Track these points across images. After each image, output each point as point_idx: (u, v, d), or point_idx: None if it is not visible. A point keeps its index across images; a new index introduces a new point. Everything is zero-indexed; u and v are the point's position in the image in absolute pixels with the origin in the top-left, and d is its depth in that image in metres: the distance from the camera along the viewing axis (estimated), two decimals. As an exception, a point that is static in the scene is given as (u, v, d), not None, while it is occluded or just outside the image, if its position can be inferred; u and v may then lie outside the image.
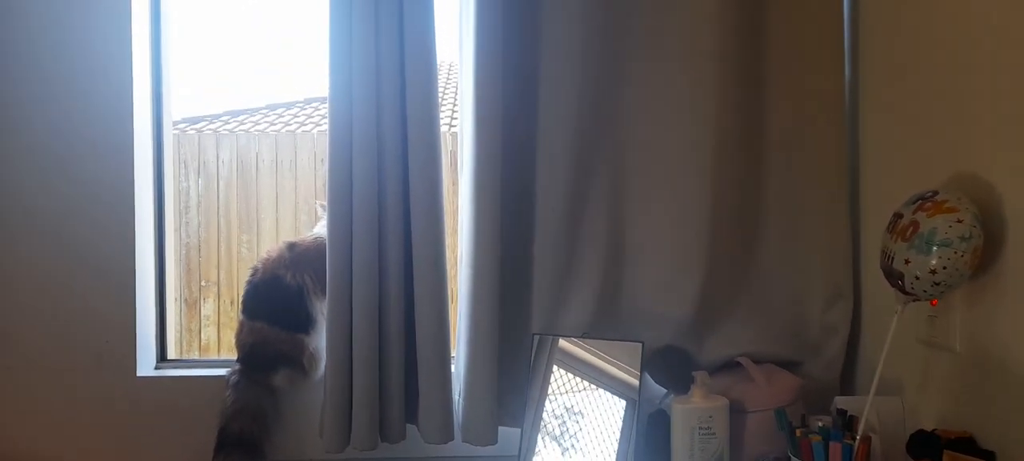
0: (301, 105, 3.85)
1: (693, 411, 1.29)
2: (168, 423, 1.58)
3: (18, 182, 1.56)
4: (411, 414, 1.50)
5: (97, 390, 1.58)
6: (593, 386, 1.38)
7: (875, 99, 1.43)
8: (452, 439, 1.47)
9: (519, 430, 1.43)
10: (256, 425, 1.48)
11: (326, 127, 1.45)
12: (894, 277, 1.09)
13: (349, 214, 1.42)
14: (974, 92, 1.12)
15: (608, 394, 1.37)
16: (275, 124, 3.65)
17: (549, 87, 1.47)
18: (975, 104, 1.11)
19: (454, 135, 2.27)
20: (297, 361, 1.51)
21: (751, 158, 1.49)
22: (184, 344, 2.69)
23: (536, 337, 1.44)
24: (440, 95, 1.47)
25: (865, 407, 1.15)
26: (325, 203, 1.46)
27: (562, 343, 1.42)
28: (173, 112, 1.74)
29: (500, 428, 1.47)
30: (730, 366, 1.46)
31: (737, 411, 1.34)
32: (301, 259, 1.52)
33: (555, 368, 1.41)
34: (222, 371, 1.54)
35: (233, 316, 2.66)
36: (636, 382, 1.35)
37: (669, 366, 1.49)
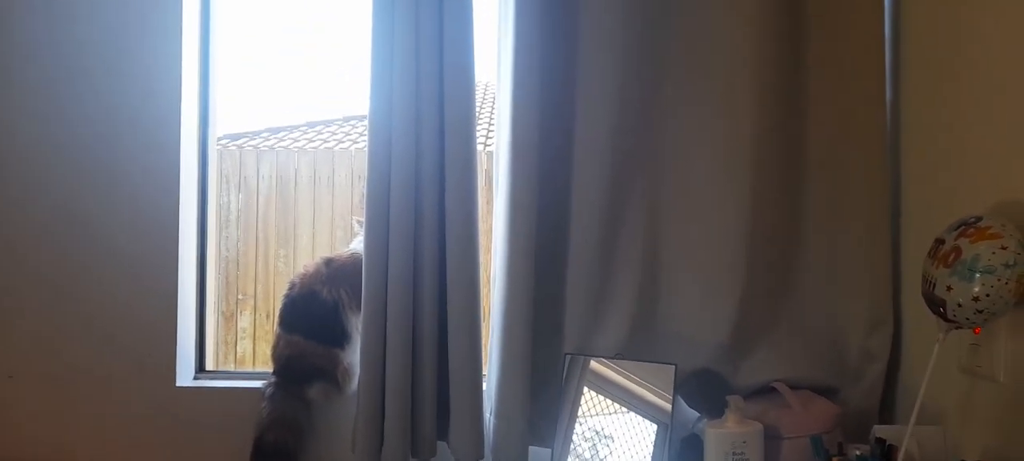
0: (339, 123, 3.91)
1: (727, 436, 1.27)
2: (205, 433, 1.61)
3: (68, 194, 1.62)
4: (442, 431, 1.50)
5: (137, 398, 1.61)
6: (624, 409, 1.37)
7: (917, 123, 1.41)
8: (482, 457, 1.47)
9: (549, 451, 1.43)
10: (291, 436, 1.49)
11: (364, 145, 1.48)
12: (936, 304, 1.07)
13: (386, 230, 1.43)
14: (1019, 117, 1.10)
15: (639, 417, 1.36)
16: (314, 141, 3.71)
17: (585, 108, 1.48)
18: (1020, 130, 1.09)
19: (490, 154, 2.28)
20: (332, 375, 1.53)
21: (790, 181, 1.48)
22: (221, 356, 2.74)
23: (568, 357, 1.44)
24: (476, 114, 1.49)
25: (905, 437, 1.13)
26: (362, 219, 1.49)
27: (594, 365, 1.42)
28: (217, 128, 1.79)
29: (530, 448, 1.47)
30: (765, 391, 1.44)
31: (772, 437, 1.31)
32: (337, 274, 1.54)
33: (586, 390, 1.41)
34: (258, 383, 1.57)
35: (269, 330, 2.70)
36: (668, 406, 1.34)
37: (703, 389, 1.47)
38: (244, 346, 2.80)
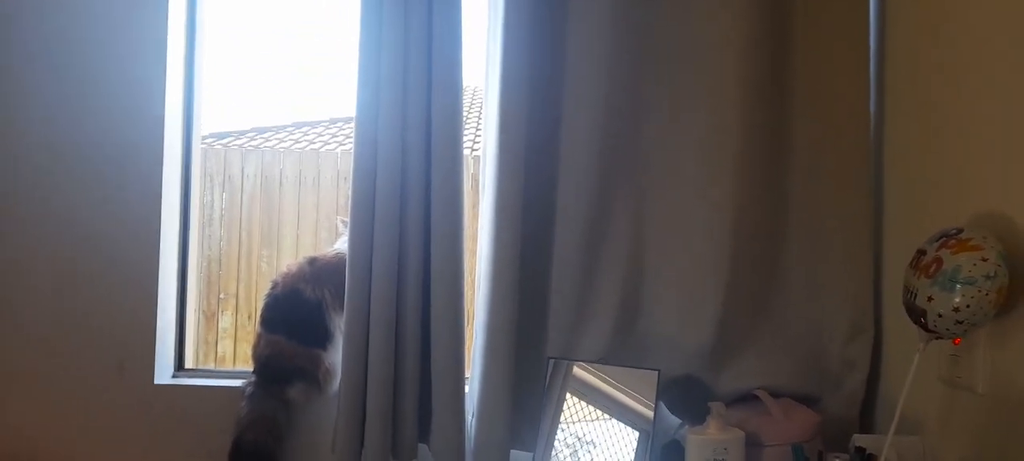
0: (326, 124, 3.90)
1: (708, 443, 1.28)
2: (184, 431, 1.59)
3: (49, 187, 1.60)
4: (423, 433, 1.50)
5: (116, 396, 1.59)
6: (606, 416, 1.37)
7: (900, 134, 1.43)
8: (463, 460, 1.47)
9: (530, 455, 1.42)
10: (271, 437, 1.48)
11: (350, 146, 1.47)
12: (916, 314, 1.07)
13: (370, 230, 1.43)
14: (1001, 131, 1.11)
15: (621, 425, 1.36)
16: (300, 142, 3.70)
17: (572, 113, 1.49)
18: (1002, 142, 1.11)
19: (476, 158, 2.29)
20: (313, 376, 1.52)
21: (773, 189, 1.49)
22: (201, 355, 2.71)
23: (551, 361, 1.44)
24: (464, 117, 1.49)
25: (884, 446, 1.13)
26: (346, 219, 1.48)
27: (577, 371, 1.42)
28: (202, 127, 1.77)
29: (512, 452, 1.47)
30: (747, 398, 1.45)
31: (753, 444, 1.32)
32: (321, 274, 1.53)
33: (569, 396, 1.41)
34: (238, 382, 1.55)
35: (250, 330, 2.68)
36: (650, 413, 1.34)
37: (685, 395, 1.48)
38: (225, 346, 2.78)
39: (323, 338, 1.52)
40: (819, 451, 1.27)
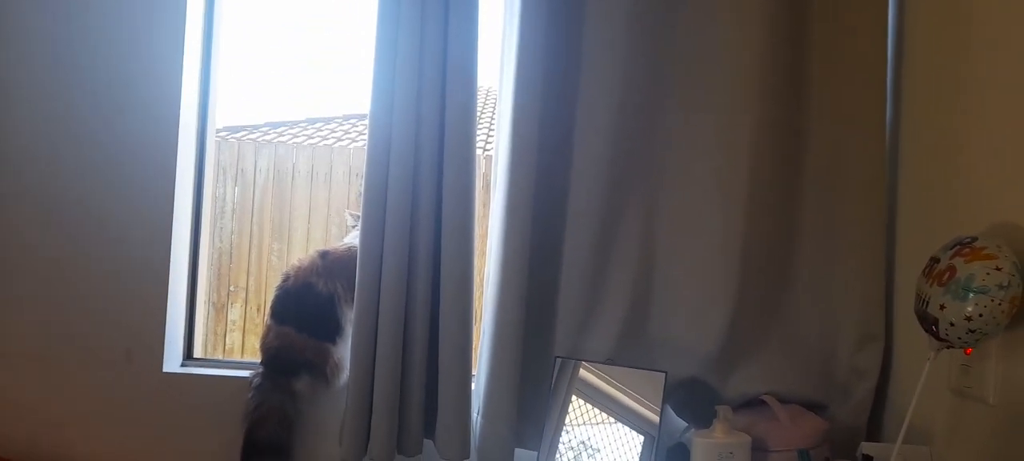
0: (339, 120, 3.92)
1: (714, 446, 1.27)
2: (192, 419, 1.60)
3: (65, 179, 1.61)
4: (429, 429, 1.50)
5: (125, 384, 1.60)
6: (611, 420, 1.36)
7: (916, 141, 1.42)
8: (468, 457, 1.47)
9: (535, 454, 1.42)
10: (282, 428, 1.48)
11: (362, 143, 1.48)
12: (928, 322, 1.07)
13: (382, 225, 1.43)
14: (1018, 140, 1.10)
15: (626, 429, 1.35)
16: (313, 137, 3.71)
17: (585, 115, 1.48)
18: (1018, 152, 1.10)
19: (488, 158, 2.29)
20: (320, 369, 1.52)
21: (786, 194, 1.48)
22: (210, 347, 2.73)
23: (558, 360, 1.44)
24: (477, 116, 1.50)
25: (892, 455, 1.13)
26: (355, 212, 1.48)
27: (583, 373, 1.41)
28: (216, 120, 1.79)
29: (516, 450, 1.47)
30: (754, 403, 1.44)
31: (759, 450, 1.31)
32: (333, 267, 1.54)
33: (575, 398, 1.40)
34: (246, 372, 1.56)
35: (259, 323, 2.69)
36: (655, 417, 1.34)
37: (692, 398, 1.47)
38: (233, 338, 2.79)
39: (333, 332, 1.53)
40: (826, 458, 1.26)
